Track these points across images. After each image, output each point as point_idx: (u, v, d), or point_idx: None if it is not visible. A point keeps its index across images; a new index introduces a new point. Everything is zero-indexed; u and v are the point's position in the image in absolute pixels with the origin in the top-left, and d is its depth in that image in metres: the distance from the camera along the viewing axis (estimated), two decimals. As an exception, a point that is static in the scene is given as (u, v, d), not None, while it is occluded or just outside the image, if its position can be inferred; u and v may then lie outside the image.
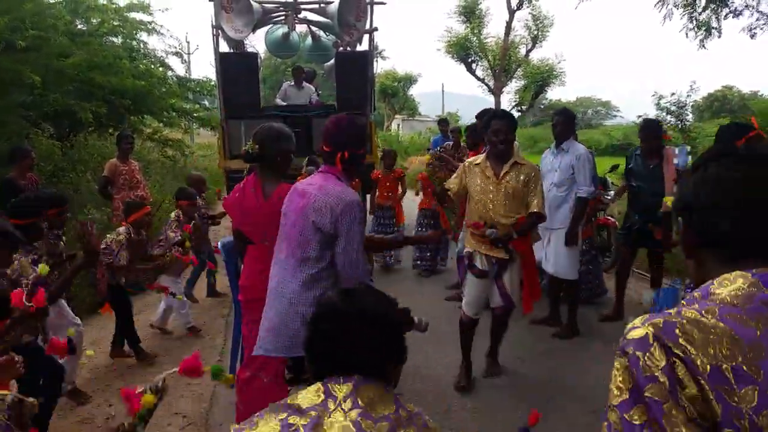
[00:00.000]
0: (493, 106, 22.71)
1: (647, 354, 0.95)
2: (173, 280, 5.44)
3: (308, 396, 1.41)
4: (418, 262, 7.36)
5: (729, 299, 1.01)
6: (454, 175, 4.24)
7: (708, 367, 0.92)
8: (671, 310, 1.02)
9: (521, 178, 3.93)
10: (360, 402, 1.37)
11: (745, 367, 0.92)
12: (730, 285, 1.03)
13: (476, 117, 6.03)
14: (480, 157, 4.11)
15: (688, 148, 7.82)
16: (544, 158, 5.37)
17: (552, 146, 5.30)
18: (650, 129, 5.31)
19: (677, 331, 0.96)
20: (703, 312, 0.99)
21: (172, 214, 5.66)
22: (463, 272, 4.22)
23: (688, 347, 0.94)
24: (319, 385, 1.43)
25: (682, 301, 1.07)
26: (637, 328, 1.00)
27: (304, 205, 2.70)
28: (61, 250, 4.25)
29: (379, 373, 1.48)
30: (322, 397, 1.39)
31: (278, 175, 3.24)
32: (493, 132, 3.94)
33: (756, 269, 1.03)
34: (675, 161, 5.17)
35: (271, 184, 3.19)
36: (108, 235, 4.78)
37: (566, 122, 5.17)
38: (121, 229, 4.80)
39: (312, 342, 1.54)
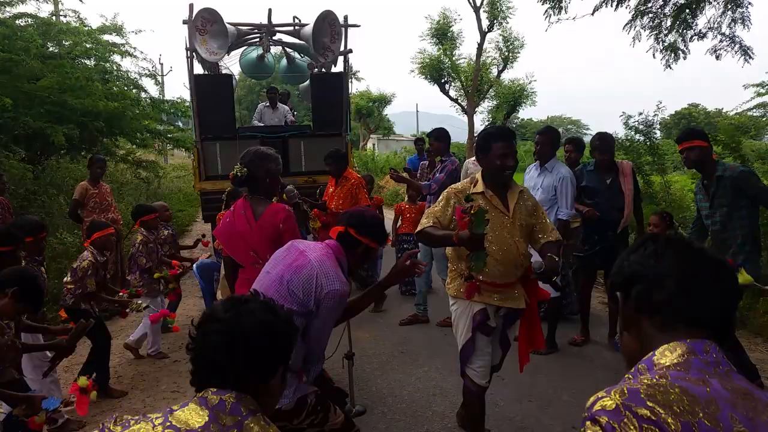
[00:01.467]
0: (466, 126, 23.01)
1: (622, 423, 1.02)
2: (152, 300, 5.39)
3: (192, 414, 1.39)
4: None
5: (672, 366, 1.12)
6: (439, 203, 3.34)
7: (679, 424, 1.00)
8: (626, 381, 1.13)
9: (528, 206, 3.34)
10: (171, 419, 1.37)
11: (707, 422, 1.01)
12: (670, 355, 1.14)
13: (429, 135, 6.16)
14: (478, 184, 3.29)
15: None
16: (528, 173, 5.34)
17: (536, 163, 5.28)
18: (606, 142, 5.27)
19: (642, 395, 1.04)
20: (657, 377, 1.09)
21: (138, 237, 5.56)
22: (468, 333, 3.30)
23: (657, 408, 1.02)
24: (196, 401, 1.43)
25: (628, 375, 1.18)
26: (605, 398, 1.07)
27: (297, 267, 2.51)
28: None
29: (246, 389, 1.45)
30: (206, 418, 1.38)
31: (268, 196, 3.31)
32: (499, 156, 3.20)
33: (690, 339, 1.15)
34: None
35: (260, 206, 3.25)
36: (74, 264, 4.68)
37: (548, 141, 5.15)
38: (85, 254, 4.69)
39: (190, 344, 1.54)
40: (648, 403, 1.02)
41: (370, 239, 2.66)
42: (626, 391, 1.06)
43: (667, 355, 1.15)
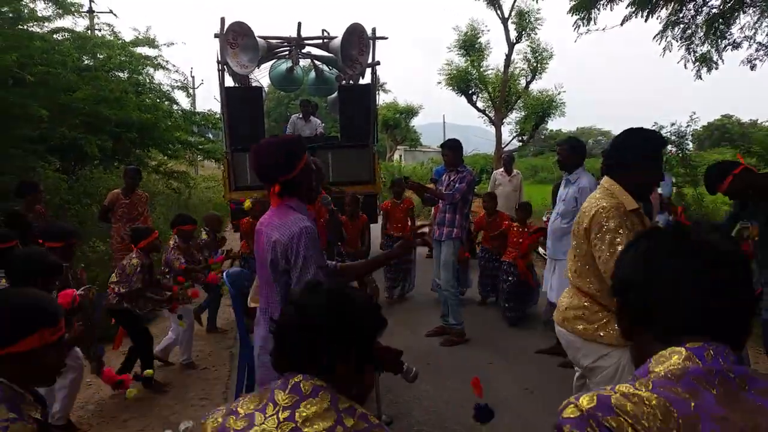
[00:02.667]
0: (494, 137, 22.91)
1: None
2: (184, 308, 5.48)
3: (252, 400, 1.45)
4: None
5: (663, 373, 1.02)
6: (614, 230, 2.61)
7: None
8: (606, 386, 1.04)
9: None
10: (297, 417, 1.38)
11: None
12: (666, 361, 1.04)
13: (443, 146, 6.12)
14: (630, 200, 2.68)
15: (673, 178, 7.86)
16: (557, 188, 5.44)
17: (564, 175, 5.30)
18: None
19: (612, 404, 0.97)
20: (636, 385, 1.01)
21: (171, 242, 5.72)
22: None
23: (623, 420, 0.95)
24: (266, 389, 1.46)
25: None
26: (572, 406, 1.01)
27: (262, 245, 2.52)
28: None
29: (331, 375, 1.46)
30: (265, 401, 1.42)
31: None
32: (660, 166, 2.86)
33: (689, 343, 1.04)
34: (659, 190, 5.17)
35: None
36: (123, 262, 4.90)
37: (569, 152, 5.15)
38: (133, 254, 4.91)
39: (277, 332, 1.56)
40: (616, 412, 0.95)
41: (280, 176, 2.45)
42: (596, 399, 0.99)
43: (662, 361, 1.05)
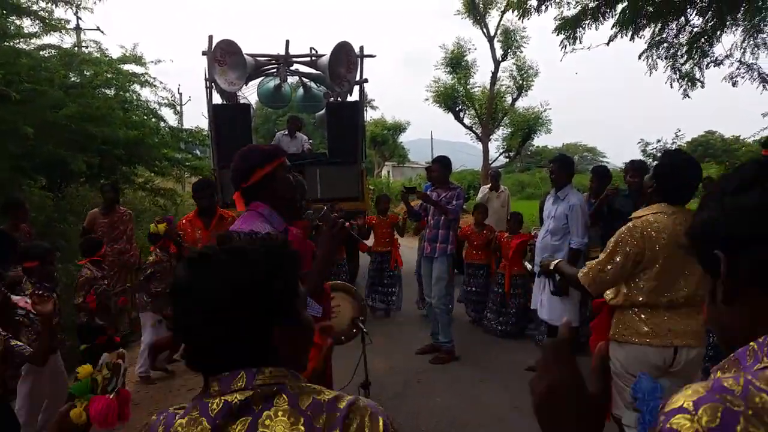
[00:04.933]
0: (481, 153, 23.08)
1: None
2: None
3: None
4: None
5: None
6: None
7: None
8: (729, 381, 0.76)
9: None
10: None
11: None
12: None
13: (435, 162, 6.17)
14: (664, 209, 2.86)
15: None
16: (546, 202, 5.43)
17: (552, 191, 5.35)
18: (636, 165, 5.52)
19: (739, 428, 0.70)
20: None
21: (150, 258, 5.62)
22: None
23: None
24: (194, 406, 1.09)
25: (733, 359, 0.83)
26: (682, 414, 0.74)
27: None
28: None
29: (267, 352, 1.10)
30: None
31: (288, 219, 3.33)
32: None
33: None
34: None
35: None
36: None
37: (560, 169, 5.21)
38: (83, 270, 5.04)
39: (176, 324, 1.17)
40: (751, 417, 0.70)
41: (237, 184, 2.45)
42: (719, 415, 0.71)
43: None
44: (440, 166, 6.02)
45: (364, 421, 1.05)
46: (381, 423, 1.06)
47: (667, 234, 2.76)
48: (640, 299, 2.84)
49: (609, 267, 2.86)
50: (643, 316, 2.85)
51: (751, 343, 0.81)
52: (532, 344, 6.18)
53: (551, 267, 3.28)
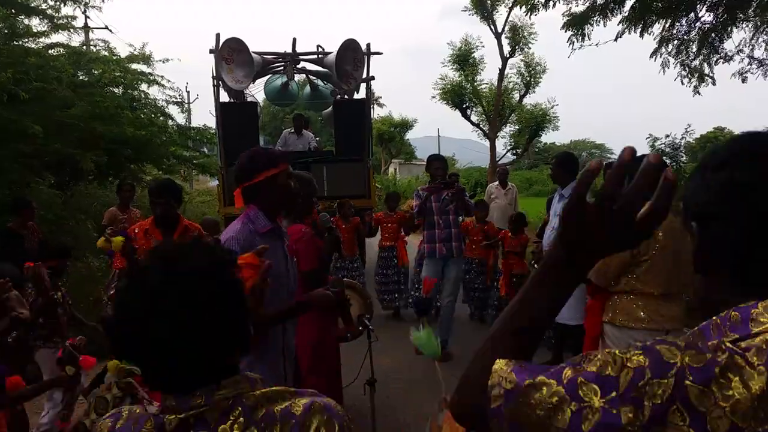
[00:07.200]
0: (488, 150, 23.01)
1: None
2: None
3: None
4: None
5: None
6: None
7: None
8: (711, 342, 0.76)
9: None
10: None
11: None
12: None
13: (433, 159, 6.15)
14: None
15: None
16: (551, 200, 5.46)
17: (558, 189, 5.31)
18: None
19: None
20: (748, 357, 0.73)
21: None
22: None
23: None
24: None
25: (715, 319, 0.81)
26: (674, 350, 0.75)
27: None
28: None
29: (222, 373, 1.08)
30: None
31: (299, 216, 3.33)
32: None
33: None
34: None
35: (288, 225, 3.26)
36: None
37: (559, 167, 5.17)
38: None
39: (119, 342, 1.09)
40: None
41: (240, 183, 2.53)
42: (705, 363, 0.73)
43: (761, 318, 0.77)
44: (444, 164, 6.03)
45: (320, 429, 1.05)
46: (337, 428, 1.06)
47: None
48: (637, 286, 3.08)
49: (610, 259, 3.03)
50: (640, 303, 3.09)
51: (714, 317, 0.81)
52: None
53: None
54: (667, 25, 8.57)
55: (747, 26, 8.28)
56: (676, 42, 8.72)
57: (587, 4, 8.55)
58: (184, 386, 1.05)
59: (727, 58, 8.71)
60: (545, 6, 8.61)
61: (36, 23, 9.55)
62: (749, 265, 0.85)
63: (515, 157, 25.97)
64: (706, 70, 8.74)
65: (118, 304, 1.08)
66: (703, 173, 0.91)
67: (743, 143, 0.90)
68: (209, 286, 1.05)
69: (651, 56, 8.83)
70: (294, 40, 9.53)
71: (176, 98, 13.17)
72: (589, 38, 8.77)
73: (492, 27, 21.79)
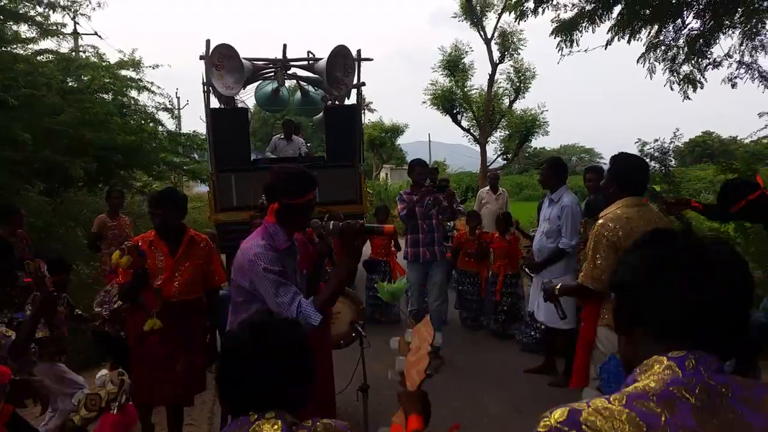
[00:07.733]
0: (479, 155, 23.08)
1: None
2: None
3: None
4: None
5: (641, 387, 1.02)
6: None
7: None
8: (584, 401, 1.04)
9: None
10: None
11: None
12: (648, 371, 1.05)
13: (415, 164, 6.16)
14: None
15: (657, 188, 8.08)
16: (542, 204, 5.47)
17: (548, 193, 5.35)
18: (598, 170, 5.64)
19: (581, 419, 0.99)
20: (611, 399, 1.01)
21: None
22: None
23: None
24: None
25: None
26: (545, 418, 1.03)
27: (235, 264, 2.64)
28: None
29: (287, 400, 1.53)
30: None
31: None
32: None
33: (672, 352, 1.05)
34: None
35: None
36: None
37: (548, 172, 5.23)
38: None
39: (223, 377, 1.57)
40: (583, 428, 0.98)
41: (283, 198, 2.60)
42: (567, 413, 1.01)
43: (645, 370, 1.06)
44: (426, 168, 6.10)
45: None
46: None
47: (635, 219, 3.12)
48: None
49: (598, 262, 3.17)
50: None
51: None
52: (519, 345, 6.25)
53: (556, 293, 3.63)
54: (653, 32, 8.62)
55: (734, 33, 8.35)
56: (663, 48, 8.77)
57: (575, 10, 8.60)
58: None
59: (716, 64, 8.76)
60: (534, 12, 8.63)
61: (25, 29, 9.51)
62: (644, 324, 1.11)
63: (506, 162, 26.05)
64: (697, 76, 8.78)
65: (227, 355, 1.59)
66: (625, 253, 1.21)
67: (655, 234, 1.18)
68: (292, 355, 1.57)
69: (638, 61, 8.88)
70: (284, 46, 9.53)
71: (166, 105, 13.14)
72: (578, 44, 8.82)
73: (482, 33, 21.90)
